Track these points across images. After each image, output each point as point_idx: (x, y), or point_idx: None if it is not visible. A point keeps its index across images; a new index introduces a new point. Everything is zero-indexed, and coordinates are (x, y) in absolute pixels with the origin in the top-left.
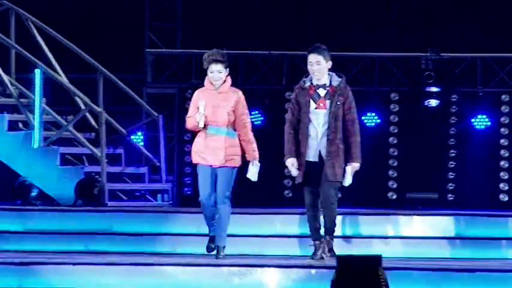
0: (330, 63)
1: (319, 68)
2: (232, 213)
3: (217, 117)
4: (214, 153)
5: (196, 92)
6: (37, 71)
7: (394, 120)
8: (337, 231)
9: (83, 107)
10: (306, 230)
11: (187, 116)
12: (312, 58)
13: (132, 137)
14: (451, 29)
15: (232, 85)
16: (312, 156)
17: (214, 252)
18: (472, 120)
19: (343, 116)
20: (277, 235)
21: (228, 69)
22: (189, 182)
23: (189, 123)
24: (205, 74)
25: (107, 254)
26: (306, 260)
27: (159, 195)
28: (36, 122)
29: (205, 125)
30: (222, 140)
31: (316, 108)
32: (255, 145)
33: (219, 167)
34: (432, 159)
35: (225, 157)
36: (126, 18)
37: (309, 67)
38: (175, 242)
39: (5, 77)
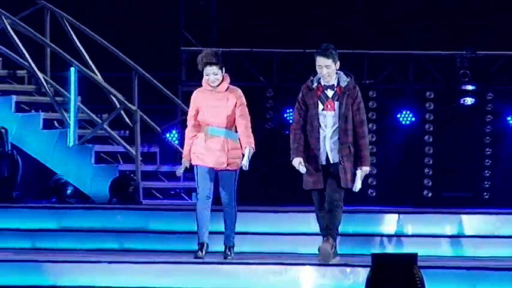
0: (338, 64)
1: (328, 71)
2: (266, 211)
3: (217, 118)
4: (215, 156)
5: (195, 92)
6: (72, 70)
7: (430, 119)
8: (374, 229)
9: (117, 105)
10: (342, 228)
11: (188, 117)
12: (321, 61)
13: (167, 135)
14: (487, 26)
15: (236, 83)
16: (320, 160)
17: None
18: (508, 118)
19: (352, 118)
20: (312, 233)
21: (224, 69)
22: None
23: (186, 133)
24: (241, 72)
25: (142, 252)
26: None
27: (193, 194)
28: (71, 121)
29: (206, 124)
30: (222, 142)
31: (323, 109)
32: (251, 136)
33: (220, 171)
34: (468, 158)
35: (226, 160)
36: (161, 17)
37: (318, 70)
38: (209, 241)
39: (41, 76)
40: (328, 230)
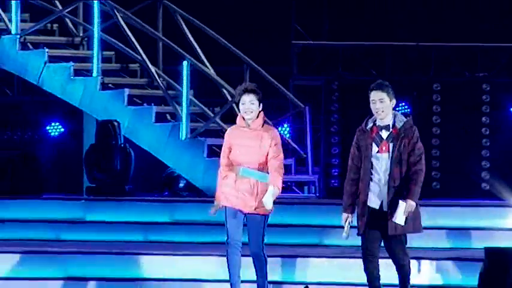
0: (394, 102)
1: (382, 106)
2: None
3: (250, 157)
4: (244, 199)
5: (228, 130)
6: (184, 63)
7: None
8: (458, 223)
9: (229, 98)
10: (457, 222)
11: (221, 156)
12: (375, 96)
13: (278, 128)
14: None
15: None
16: (373, 203)
17: None
18: None
19: (407, 160)
20: (425, 227)
21: (261, 104)
22: (335, 173)
23: (218, 173)
24: (352, 66)
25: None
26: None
27: (305, 187)
28: (183, 114)
29: (236, 163)
30: (253, 185)
31: (378, 152)
32: (281, 177)
33: (249, 214)
34: None
35: (256, 204)
36: (273, 10)
37: (371, 106)
38: (322, 234)
39: (153, 69)
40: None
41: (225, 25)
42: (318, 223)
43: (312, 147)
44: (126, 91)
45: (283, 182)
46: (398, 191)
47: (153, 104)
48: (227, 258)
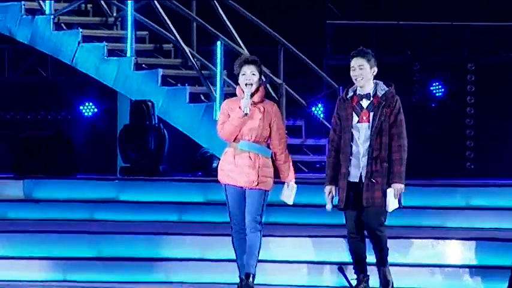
0: (375, 70)
1: (361, 73)
2: (411, 185)
3: (251, 130)
4: (245, 173)
5: (226, 102)
6: (218, 43)
7: None
8: (492, 203)
9: (263, 78)
10: (491, 202)
11: (220, 123)
12: (355, 62)
13: (312, 108)
14: None
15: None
16: (352, 176)
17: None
18: None
19: (389, 131)
20: (459, 207)
21: (262, 76)
22: None
23: (226, 130)
24: (386, 45)
25: (284, 226)
26: (488, 232)
27: None
28: (217, 94)
29: (235, 139)
30: (254, 158)
31: (358, 122)
32: (291, 164)
33: (249, 189)
34: None
35: (257, 178)
36: None
37: (351, 73)
38: None
39: (187, 49)
40: (377, 258)
41: (259, 5)
42: None
43: None
44: (160, 71)
45: (317, 163)
46: (378, 162)
47: (186, 85)
48: (233, 242)
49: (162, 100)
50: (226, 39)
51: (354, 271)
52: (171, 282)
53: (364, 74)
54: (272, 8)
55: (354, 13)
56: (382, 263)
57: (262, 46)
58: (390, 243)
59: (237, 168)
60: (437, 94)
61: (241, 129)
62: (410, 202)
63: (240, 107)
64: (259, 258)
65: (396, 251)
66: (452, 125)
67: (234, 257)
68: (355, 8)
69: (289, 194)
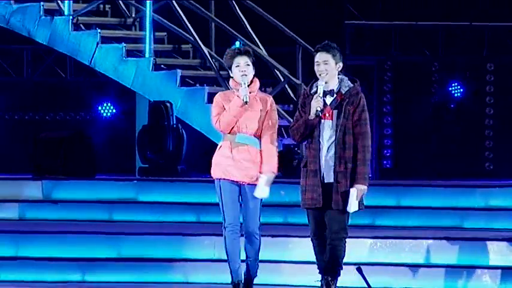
0: (340, 66)
1: (325, 68)
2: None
3: (248, 122)
4: (244, 167)
5: (220, 94)
6: (237, 44)
7: None
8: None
9: (282, 79)
10: (508, 202)
11: (215, 115)
12: (319, 57)
13: None
14: None
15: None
16: (319, 175)
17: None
18: None
19: (352, 129)
20: (478, 207)
21: (254, 68)
22: (388, 154)
23: (223, 120)
24: (405, 46)
25: (302, 227)
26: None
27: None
28: None
29: (231, 131)
30: (253, 152)
31: (321, 118)
32: (275, 160)
33: (248, 185)
34: None
35: (257, 174)
36: None
37: (315, 68)
38: (375, 215)
39: (205, 50)
40: (328, 268)
41: (277, 5)
42: (371, 204)
43: None
44: (179, 72)
45: None
46: (342, 162)
47: (205, 85)
48: (225, 243)
49: (181, 101)
50: (244, 40)
51: (318, 271)
52: (189, 283)
53: (328, 70)
54: (290, 8)
55: (373, 13)
56: (331, 274)
57: (280, 46)
58: (408, 244)
59: (235, 163)
60: (456, 94)
61: (238, 120)
62: (428, 203)
63: (238, 96)
64: (274, 259)
65: (413, 251)
66: (471, 126)
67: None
68: (374, 8)
69: (264, 187)
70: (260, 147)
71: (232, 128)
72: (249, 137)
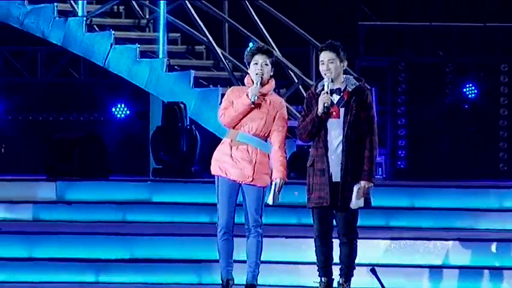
0: (345, 64)
1: (331, 67)
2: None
3: (253, 121)
4: (241, 167)
5: (232, 89)
6: (250, 45)
7: None
8: None
9: (295, 80)
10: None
11: (222, 108)
12: (324, 56)
13: None
14: None
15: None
16: (327, 174)
17: None
18: None
19: (361, 127)
20: (492, 209)
21: (273, 69)
22: (402, 155)
23: (227, 115)
24: (419, 47)
25: None
26: None
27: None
28: None
29: (235, 127)
30: (252, 152)
31: (329, 116)
32: (285, 166)
33: (246, 185)
34: None
35: (253, 174)
36: None
37: (320, 67)
38: (389, 215)
39: (219, 51)
40: (343, 269)
41: (290, 6)
42: (385, 205)
43: (379, 129)
44: (192, 73)
45: None
46: (352, 159)
47: (219, 86)
48: (218, 244)
49: (194, 102)
50: (258, 40)
51: (318, 274)
52: (203, 284)
53: (333, 68)
54: (304, 9)
55: (387, 14)
56: (346, 277)
57: (294, 47)
58: (422, 245)
59: (232, 161)
60: (470, 95)
61: (243, 117)
62: (442, 203)
63: (247, 95)
64: (288, 260)
65: (427, 253)
66: (485, 126)
67: (268, 259)
68: (388, 10)
69: (275, 193)
70: (261, 147)
71: (236, 124)
72: (251, 137)
